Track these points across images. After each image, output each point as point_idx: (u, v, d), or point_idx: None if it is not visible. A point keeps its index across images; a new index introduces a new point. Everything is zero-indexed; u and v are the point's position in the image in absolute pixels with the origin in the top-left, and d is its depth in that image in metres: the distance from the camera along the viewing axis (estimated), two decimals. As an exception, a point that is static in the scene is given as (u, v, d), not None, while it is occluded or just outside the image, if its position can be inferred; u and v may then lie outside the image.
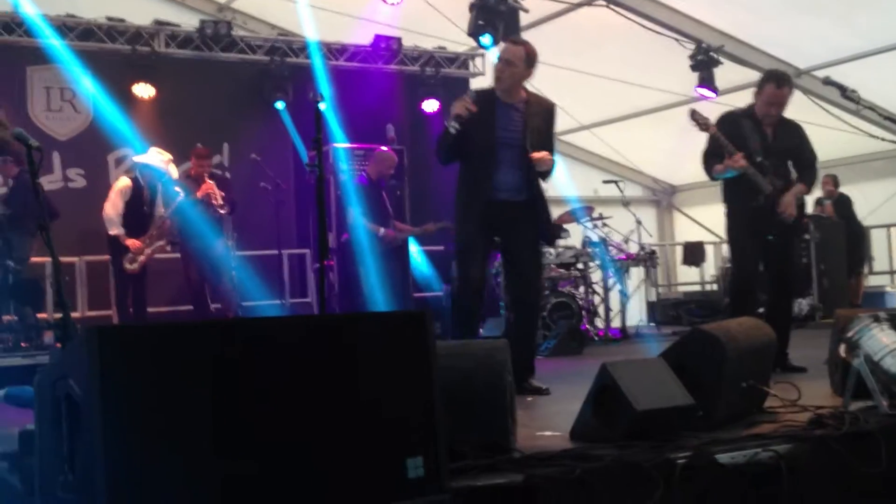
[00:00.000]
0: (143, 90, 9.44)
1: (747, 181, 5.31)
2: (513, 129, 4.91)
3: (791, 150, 5.50)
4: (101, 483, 1.72)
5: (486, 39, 8.79)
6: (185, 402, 1.92)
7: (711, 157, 5.42)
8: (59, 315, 4.82)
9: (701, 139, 5.48)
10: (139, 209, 8.08)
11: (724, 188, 5.58)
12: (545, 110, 5.07)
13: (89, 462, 1.79)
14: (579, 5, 10.10)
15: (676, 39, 10.20)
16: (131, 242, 7.93)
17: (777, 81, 5.49)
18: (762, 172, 5.32)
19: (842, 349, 3.57)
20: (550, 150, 4.98)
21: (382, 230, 8.13)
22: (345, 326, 2.23)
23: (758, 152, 5.33)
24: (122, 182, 8.16)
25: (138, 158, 8.28)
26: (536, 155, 4.83)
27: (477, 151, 4.85)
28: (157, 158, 8.12)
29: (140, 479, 1.80)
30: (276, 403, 2.02)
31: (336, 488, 2.04)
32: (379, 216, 8.24)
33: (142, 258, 7.96)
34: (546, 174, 4.98)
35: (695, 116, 5.32)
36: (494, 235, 5.02)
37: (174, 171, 8.20)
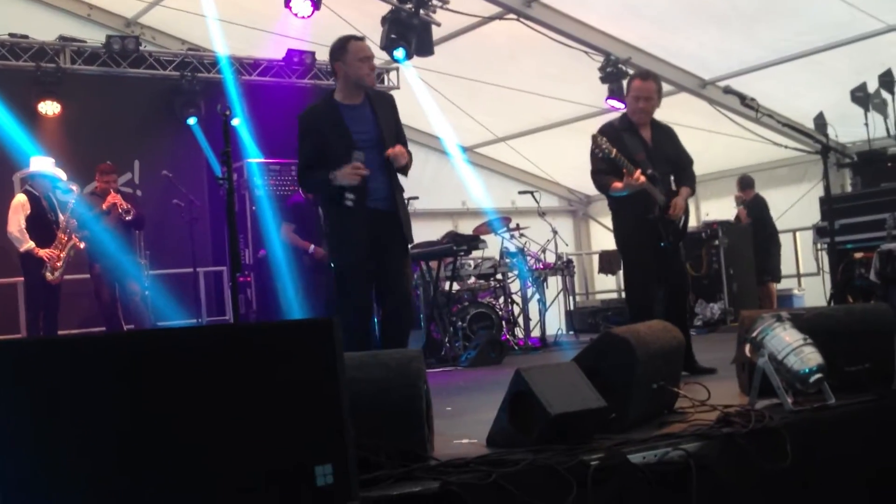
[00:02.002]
0: (49, 107, 9.25)
1: (642, 195, 5.34)
2: (366, 128, 4.80)
3: (671, 156, 5.59)
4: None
5: (399, 53, 8.82)
6: (79, 417, 1.87)
7: (603, 175, 5.40)
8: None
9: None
10: (43, 219, 7.89)
11: (613, 202, 5.59)
12: (387, 102, 5.00)
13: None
14: (491, 19, 10.19)
15: (586, 52, 10.38)
16: (45, 253, 7.73)
17: (641, 75, 5.65)
18: (654, 184, 5.37)
19: (747, 349, 3.66)
20: (404, 142, 4.90)
21: (313, 247, 8.11)
22: (249, 335, 2.21)
23: (645, 163, 5.33)
24: (18, 199, 7.96)
25: (23, 172, 8.17)
26: (391, 151, 4.72)
27: (339, 161, 4.68)
28: (43, 163, 7.97)
29: (33, 497, 1.74)
30: (177, 415, 1.99)
31: (243, 497, 2.02)
32: (313, 234, 8.20)
33: (59, 265, 7.76)
34: (405, 169, 4.86)
35: (598, 141, 5.26)
36: (372, 248, 4.76)
37: (62, 173, 8.05)
